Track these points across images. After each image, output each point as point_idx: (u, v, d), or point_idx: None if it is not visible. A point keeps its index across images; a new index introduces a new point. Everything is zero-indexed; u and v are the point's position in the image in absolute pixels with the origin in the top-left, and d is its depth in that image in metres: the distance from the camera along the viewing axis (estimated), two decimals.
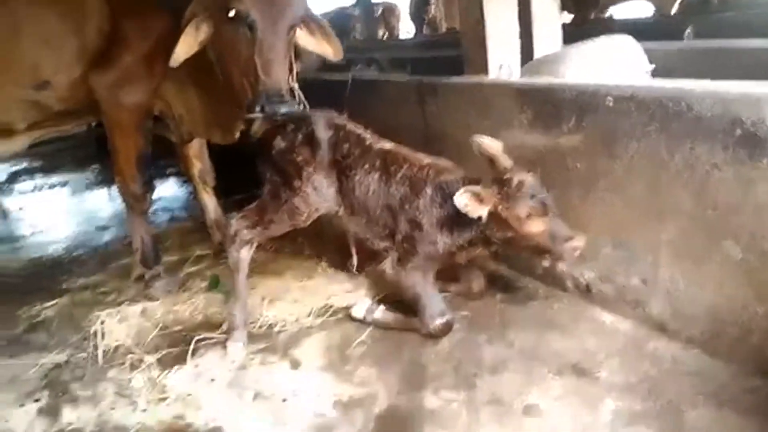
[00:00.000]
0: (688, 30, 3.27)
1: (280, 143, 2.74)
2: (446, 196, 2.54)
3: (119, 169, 3.34)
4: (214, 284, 3.26)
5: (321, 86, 4.22)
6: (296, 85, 2.79)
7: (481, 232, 2.46)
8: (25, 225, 5.22)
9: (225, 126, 3.35)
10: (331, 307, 2.99)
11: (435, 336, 2.59)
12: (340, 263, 3.26)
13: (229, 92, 2.80)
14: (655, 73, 3.25)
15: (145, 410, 2.42)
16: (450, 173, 2.61)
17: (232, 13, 2.56)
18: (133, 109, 3.20)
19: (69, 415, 2.45)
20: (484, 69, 3.12)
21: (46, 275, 3.94)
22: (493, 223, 2.38)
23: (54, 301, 3.44)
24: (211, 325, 2.98)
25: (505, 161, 2.43)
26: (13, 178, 6.98)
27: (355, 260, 3.09)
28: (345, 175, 2.71)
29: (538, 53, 3.61)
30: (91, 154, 7.08)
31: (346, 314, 2.91)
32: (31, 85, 3.10)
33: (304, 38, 2.82)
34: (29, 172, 7.13)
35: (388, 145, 2.76)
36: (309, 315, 2.94)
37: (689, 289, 2.28)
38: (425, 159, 2.68)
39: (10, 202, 6.04)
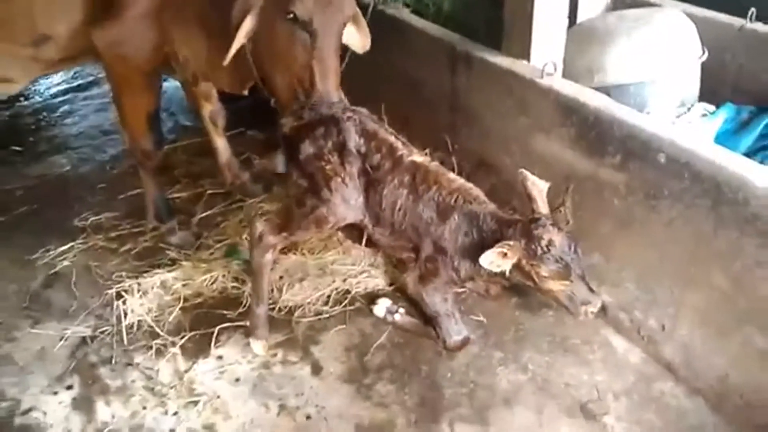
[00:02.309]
0: (752, 10, 2.95)
1: (308, 148, 2.58)
2: (472, 226, 2.48)
3: (128, 127, 3.18)
4: (230, 253, 3.26)
5: None
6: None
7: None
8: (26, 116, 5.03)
9: (235, 77, 3.12)
10: (349, 293, 3.04)
11: (451, 350, 2.69)
12: (356, 237, 3.23)
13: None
14: (707, 62, 3.03)
15: (176, 413, 2.56)
16: (479, 204, 2.51)
17: (291, 15, 2.37)
18: (141, 65, 2.95)
19: (103, 411, 2.57)
20: (525, 51, 2.85)
21: (54, 202, 3.90)
22: (516, 269, 2.35)
23: (68, 246, 3.45)
24: (230, 301, 3.05)
25: (543, 207, 2.33)
26: None
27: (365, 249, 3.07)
28: (373, 187, 2.61)
29: (582, 13, 3.31)
30: None
31: (364, 304, 2.98)
32: (30, 42, 2.83)
33: None
34: None
35: (419, 158, 2.62)
36: (328, 302, 3.01)
37: (705, 352, 2.35)
38: (455, 182, 2.57)
39: None
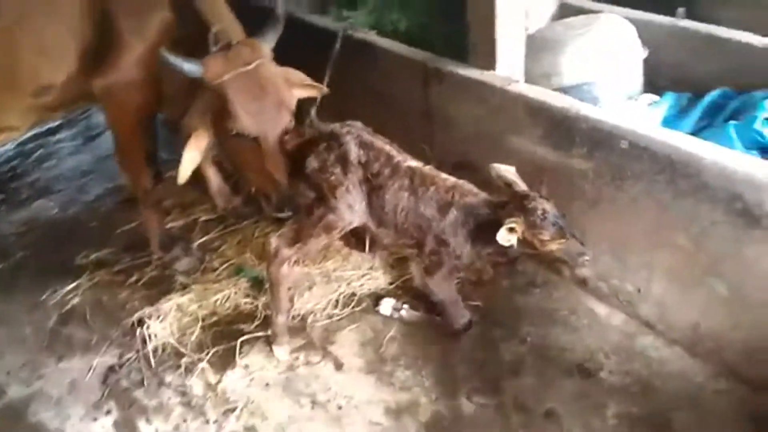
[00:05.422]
0: (680, 9, 3.41)
1: (313, 163, 2.86)
2: (470, 216, 2.80)
3: (127, 167, 3.38)
4: (238, 272, 3.48)
5: (305, 33, 4.15)
6: None
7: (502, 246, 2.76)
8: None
9: None
10: (354, 295, 3.32)
11: (456, 334, 3.01)
12: (355, 244, 3.51)
13: None
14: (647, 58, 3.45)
15: (216, 421, 2.77)
16: (473, 196, 2.83)
17: (234, 132, 2.79)
18: (136, 110, 3.18)
19: (146, 430, 2.78)
20: (491, 63, 3.21)
21: (49, 244, 4.03)
22: (519, 241, 2.68)
23: (74, 284, 3.59)
24: (245, 315, 3.27)
25: (522, 186, 2.66)
26: None
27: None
28: (375, 192, 2.89)
29: (530, 24, 3.70)
30: None
31: (369, 303, 3.26)
32: (32, 92, 3.02)
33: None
34: None
35: (414, 163, 2.92)
36: (337, 305, 3.27)
37: (676, 306, 2.74)
38: (449, 180, 2.88)
39: None
